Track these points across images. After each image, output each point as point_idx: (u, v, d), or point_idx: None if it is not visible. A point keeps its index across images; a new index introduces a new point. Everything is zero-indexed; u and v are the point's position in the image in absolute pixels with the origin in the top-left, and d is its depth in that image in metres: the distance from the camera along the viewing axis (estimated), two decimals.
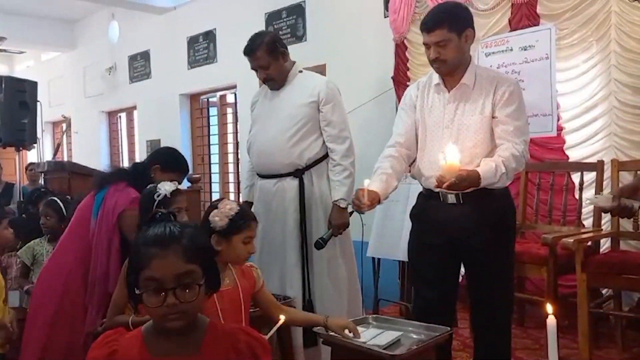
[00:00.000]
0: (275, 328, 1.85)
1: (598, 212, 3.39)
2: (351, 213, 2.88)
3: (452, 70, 2.41)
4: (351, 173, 2.89)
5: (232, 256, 2.03)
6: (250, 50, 2.92)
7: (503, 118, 2.36)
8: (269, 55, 2.89)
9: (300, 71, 3.02)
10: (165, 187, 2.30)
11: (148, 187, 2.47)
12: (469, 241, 2.41)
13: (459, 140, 2.37)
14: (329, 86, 2.95)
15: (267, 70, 2.92)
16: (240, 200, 2.73)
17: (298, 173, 2.90)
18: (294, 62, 3.03)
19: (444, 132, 2.42)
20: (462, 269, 2.61)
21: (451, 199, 2.41)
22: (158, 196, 2.29)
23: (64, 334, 2.41)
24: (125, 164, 8.41)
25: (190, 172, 6.65)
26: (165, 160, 2.72)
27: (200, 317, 1.36)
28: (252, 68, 2.98)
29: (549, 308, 1.44)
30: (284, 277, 2.91)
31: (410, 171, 2.69)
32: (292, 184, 2.91)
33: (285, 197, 2.91)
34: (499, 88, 2.38)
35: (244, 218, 2.03)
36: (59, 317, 2.45)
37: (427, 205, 2.52)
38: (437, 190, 2.39)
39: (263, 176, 3.01)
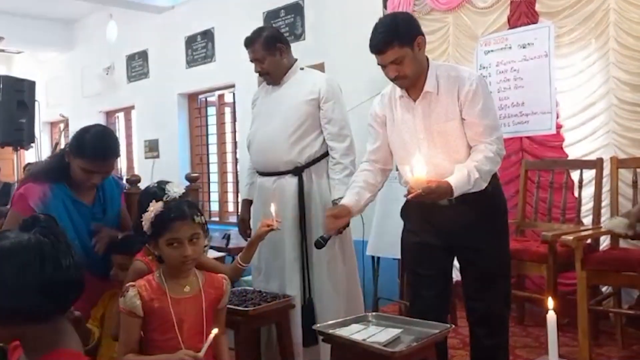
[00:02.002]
0: (207, 343, 1.69)
1: (597, 209, 3.39)
2: None
3: (413, 82, 2.36)
4: (351, 172, 2.86)
5: (168, 263, 1.89)
6: (248, 42, 2.96)
7: (471, 119, 2.32)
8: (265, 49, 2.90)
9: (302, 68, 3.02)
10: (174, 189, 2.19)
11: (150, 186, 2.35)
12: (463, 241, 2.41)
13: (438, 149, 2.35)
14: (330, 83, 2.94)
15: (262, 64, 2.94)
16: (239, 198, 2.67)
17: (297, 171, 2.89)
18: (295, 60, 3.03)
19: (421, 143, 2.38)
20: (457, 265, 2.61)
21: (443, 201, 2.37)
22: (167, 198, 2.18)
23: None
24: (124, 164, 8.40)
25: (188, 171, 6.72)
26: (76, 141, 2.24)
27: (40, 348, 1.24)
28: (250, 60, 3.00)
29: (550, 303, 1.44)
30: (283, 276, 2.90)
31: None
32: (291, 181, 2.89)
33: (284, 195, 2.89)
34: (461, 88, 2.32)
35: (164, 218, 1.87)
36: None
37: (418, 206, 2.47)
38: None
39: (262, 174, 2.99)
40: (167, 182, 2.26)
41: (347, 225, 2.87)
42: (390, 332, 2.11)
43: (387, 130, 2.52)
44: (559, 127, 3.75)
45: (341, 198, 2.82)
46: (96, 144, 2.21)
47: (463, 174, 2.24)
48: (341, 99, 2.98)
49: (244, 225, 3.13)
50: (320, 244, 2.72)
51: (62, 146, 2.41)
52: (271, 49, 2.91)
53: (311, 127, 2.88)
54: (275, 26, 5.87)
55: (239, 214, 3.28)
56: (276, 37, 2.96)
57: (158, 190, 2.22)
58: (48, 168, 2.33)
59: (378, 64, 2.38)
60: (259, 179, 3.01)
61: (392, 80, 2.37)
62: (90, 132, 2.25)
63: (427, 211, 2.45)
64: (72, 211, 2.27)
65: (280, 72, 2.96)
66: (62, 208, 2.24)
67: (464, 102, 2.31)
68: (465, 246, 2.42)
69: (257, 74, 3.04)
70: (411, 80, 2.35)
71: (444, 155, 2.34)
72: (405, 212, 2.60)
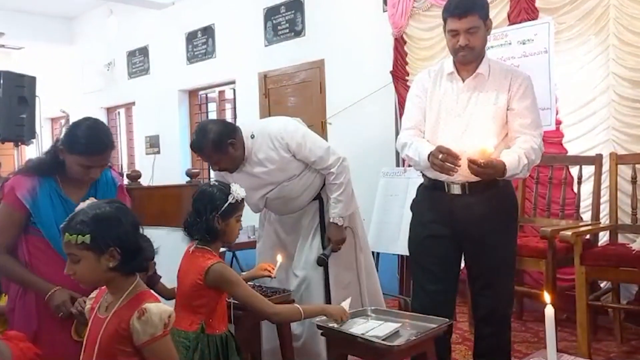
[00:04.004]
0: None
1: (596, 205, 3.39)
2: (345, 228, 2.91)
3: (475, 58, 2.41)
4: (345, 187, 2.88)
5: None
6: (196, 149, 2.80)
7: (521, 111, 2.39)
8: (217, 152, 2.73)
9: (253, 136, 2.83)
10: (239, 191, 2.17)
11: (206, 186, 2.27)
12: (473, 232, 2.42)
13: (469, 129, 2.39)
14: (288, 130, 2.83)
15: (218, 164, 2.81)
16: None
17: (317, 196, 2.97)
18: (242, 135, 2.82)
19: (454, 121, 2.43)
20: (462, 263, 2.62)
21: (456, 189, 2.42)
22: (232, 199, 2.14)
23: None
24: (124, 160, 8.41)
25: (189, 167, 6.73)
26: (70, 138, 2.19)
27: None
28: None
29: (547, 297, 1.45)
30: (308, 290, 2.93)
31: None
32: (313, 203, 2.98)
33: (307, 215, 2.99)
34: (514, 81, 2.41)
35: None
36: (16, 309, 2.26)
37: (430, 196, 2.52)
38: (443, 180, 2.42)
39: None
40: (225, 184, 2.21)
41: (345, 241, 2.88)
42: (389, 327, 2.13)
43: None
44: (558, 123, 3.74)
45: (338, 217, 2.85)
46: (91, 139, 2.17)
47: (514, 158, 2.29)
48: (304, 133, 2.88)
49: None
50: (323, 260, 2.77)
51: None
52: (222, 149, 2.73)
53: (308, 172, 2.89)
54: (275, 23, 5.89)
55: None
56: (223, 135, 2.72)
57: (217, 191, 2.14)
58: (39, 162, 2.28)
59: (450, 30, 2.38)
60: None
61: (458, 50, 2.38)
62: (82, 128, 2.19)
63: (439, 202, 2.47)
64: (58, 207, 2.20)
65: (239, 161, 2.82)
66: (49, 203, 2.19)
67: (515, 93, 2.40)
68: (475, 238, 2.44)
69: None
70: (474, 55, 2.40)
71: (471, 137, 2.37)
72: (416, 204, 2.61)
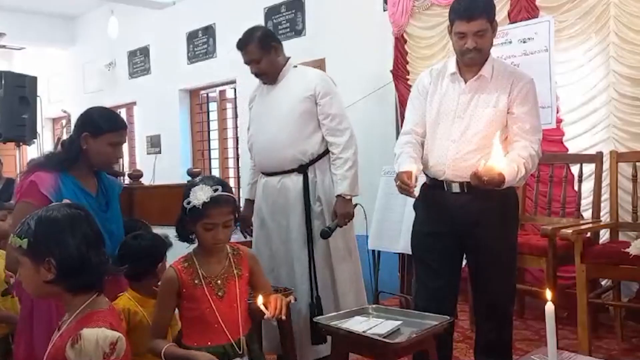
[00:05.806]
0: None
1: (597, 203, 3.40)
2: (355, 205, 2.89)
3: (482, 60, 2.41)
4: (354, 163, 2.88)
5: None
6: (242, 44, 2.94)
7: (520, 115, 2.38)
8: (261, 49, 2.90)
9: (295, 66, 3.02)
10: (198, 195, 1.87)
11: (191, 181, 2.13)
12: (473, 229, 2.44)
13: (468, 131, 2.39)
14: (324, 78, 2.96)
15: (258, 64, 2.93)
16: (241, 194, 2.67)
17: (302, 169, 2.91)
18: (288, 58, 3.03)
19: (454, 122, 2.43)
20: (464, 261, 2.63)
21: (456, 187, 2.43)
22: (188, 204, 1.88)
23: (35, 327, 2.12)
24: (126, 159, 8.41)
25: (190, 166, 6.74)
26: (93, 122, 2.20)
27: None
28: (245, 62, 2.99)
29: (548, 295, 1.45)
30: (292, 273, 2.93)
31: None
32: (296, 179, 2.91)
33: (289, 193, 2.92)
34: (516, 84, 2.40)
35: None
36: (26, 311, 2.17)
37: (431, 195, 2.53)
38: (442, 179, 2.44)
39: (267, 174, 3.01)
40: (205, 184, 1.91)
41: (352, 216, 2.88)
42: (391, 324, 2.14)
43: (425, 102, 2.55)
44: (559, 121, 3.75)
45: (346, 192, 2.83)
46: (112, 115, 2.30)
47: (513, 169, 2.28)
48: (337, 93, 2.97)
49: (244, 223, 3.15)
50: (327, 233, 2.76)
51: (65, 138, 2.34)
52: (266, 48, 2.90)
53: (310, 124, 2.89)
54: (276, 22, 5.90)
55: (240, 211, 3.30)
56: (269, 35, 2.98)
57: (189, 188, 1.93)
58: (55, 158, 2.23)
59: (457, 32, 2.37)
60: (264, 179, 3.03)
61: (466, 52, 2.37)
62: (97, 110, 2.30)
63: (440, 200, 2.49)
64: (82, 201, 2.14)
65: (276, 71, 2.97)
66: (74, 197, 2.11)
67: (516, 97, 2.39)
68: (476, 237, 2.45)
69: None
70: (481, 57, 2.40)
71: (469, 138, 2.38)
72: (419, 203, 2.62)
